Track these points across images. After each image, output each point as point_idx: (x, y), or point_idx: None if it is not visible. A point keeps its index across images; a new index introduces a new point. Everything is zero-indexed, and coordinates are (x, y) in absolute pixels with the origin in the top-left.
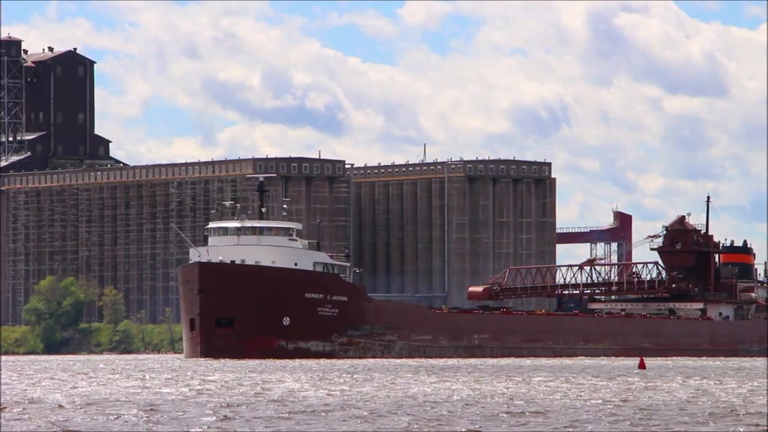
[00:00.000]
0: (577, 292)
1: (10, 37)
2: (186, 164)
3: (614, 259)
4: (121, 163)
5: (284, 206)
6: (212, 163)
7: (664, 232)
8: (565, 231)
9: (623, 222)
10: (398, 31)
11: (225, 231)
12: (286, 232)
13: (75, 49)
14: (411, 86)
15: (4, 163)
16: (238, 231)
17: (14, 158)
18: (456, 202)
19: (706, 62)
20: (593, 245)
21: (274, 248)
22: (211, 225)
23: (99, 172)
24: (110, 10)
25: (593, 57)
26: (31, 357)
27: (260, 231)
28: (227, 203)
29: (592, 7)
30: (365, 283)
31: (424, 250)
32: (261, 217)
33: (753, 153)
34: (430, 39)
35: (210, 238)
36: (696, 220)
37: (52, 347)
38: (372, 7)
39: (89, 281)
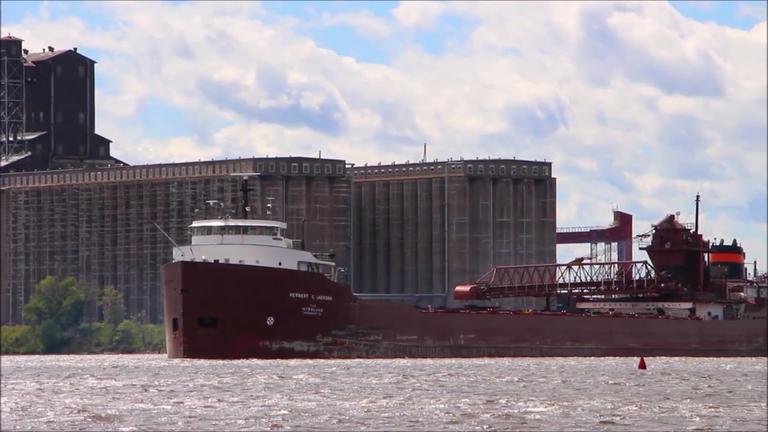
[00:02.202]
0: (566, 291)
1: (10, 37)
2: (186, 164)
3: (614, 259)
4: (122, 162)
5: (268, 205)
6: (212, 162)
7: (654, 231)
8: (565, 231)
9: (623, 222)
10: (392, 31)
11: (208, 230)
12: (270, 231)
13: (75, 48)
14: (407, 86)
15: (4, 163)
16: (222, 230)
17: (14, 158)
18: (456, 202)
19: (701, 62)
20: (593, 245)
21: (257, 247)
22: (195, 224)
23: (99, 172)
24: (103, 10)
25: (588, 57)
26: (31, 357)
27: (244, 230)
28: (211, 202)
29: (585, 6)
30: (366, 282)
31: (424, 250)
32: (245, 216)
33: (749, 153)
34: (424, 39)
35: (193, 237)
36: (689, 220)
37: (53, 347)
38: (365, 7)
39: (89, 281)
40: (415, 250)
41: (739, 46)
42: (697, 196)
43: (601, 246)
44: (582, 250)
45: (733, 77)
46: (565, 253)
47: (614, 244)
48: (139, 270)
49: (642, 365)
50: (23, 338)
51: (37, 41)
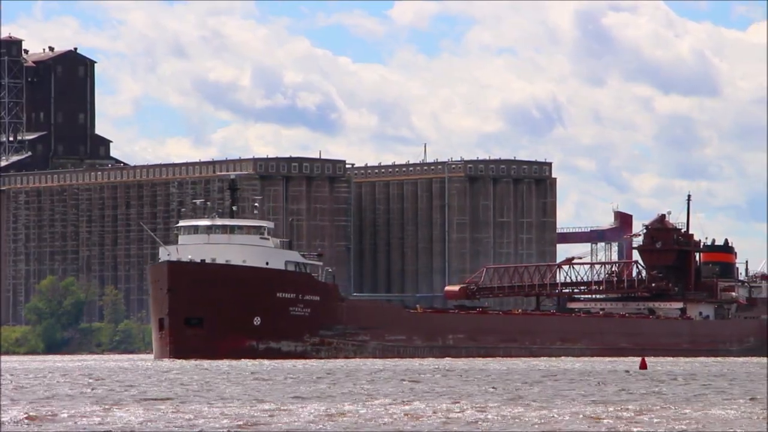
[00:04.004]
0: (556, 291)
1: (10, 37)
2: (186, 164)
3: (615, 259)
4: (122, 162)
5: (256, 204)
6: (212, 162)
7: (645, 230)
8: (565, 231)
9: (624, 221)
10: (387, 31)
11: (195, 229)
12: (258, 230)
13: (75, 48)
14: (403, 86)
15: (4, 163)
16: (209, 229)
17: (15, 158)
18: (456, 202)
19: (696, 62)
20: (594, 245)
21: (244, 247)
22: (182, 223)
23: (99, 172)
24: (96, 10)
25: (583, 56)
26: (31, 357)
27: (231, 229)
28: (198, 201)
29: (580, 6)
30: (367, 282)
31: (424, 250)
32: (232, 215)
33: (746, 153)
34: (419, 39)
35: (180, 237)
36: (682, 219)
37: (53, 347)
38: (359, 7)
39: (90, 281)
40: (416, 250)
41: (735, 47)
42: (689, 196)
43: (601, 246)
44: (582, 250)
45: (730, 77)
46: (565, 253)
47: (614, 245)
48: (139, 270)
49: (643, 365)
50: (23, 338)
51: (32, 41)
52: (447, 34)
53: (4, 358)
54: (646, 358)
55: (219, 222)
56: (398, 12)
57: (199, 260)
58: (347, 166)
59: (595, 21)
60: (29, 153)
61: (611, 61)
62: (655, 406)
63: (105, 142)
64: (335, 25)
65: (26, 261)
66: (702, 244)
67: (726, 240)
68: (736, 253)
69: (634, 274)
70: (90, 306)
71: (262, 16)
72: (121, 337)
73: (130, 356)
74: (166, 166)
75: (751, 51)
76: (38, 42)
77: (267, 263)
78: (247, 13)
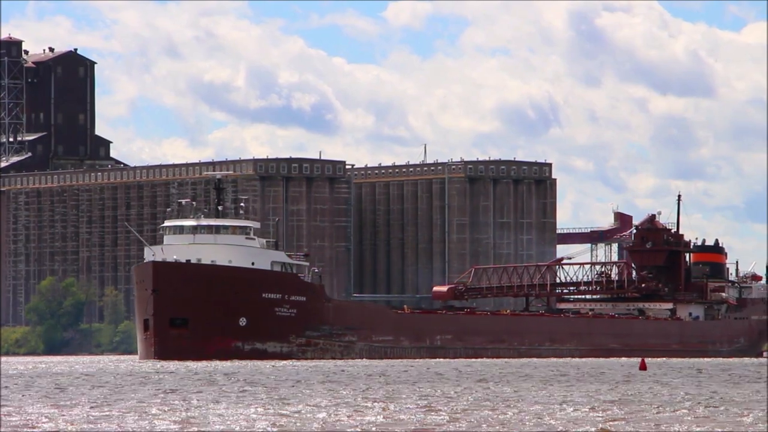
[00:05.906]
0: (545, 291)
1: (10, 38)
2: (186, 165)
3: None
4: (122, 163)
5: (241, 204)
6: (212, 163)
7: (635, 231)
8: (565, 231)
9: (624, 222)
10: (381, 31)
11: (180, 229)
12: (243, 230)
13: (75, 49)
14: (399, 86)
15: (4, 164)
16: (194, 229)
17: (15, 159)
18: (456, 203)
19: (691, 62)
20: (594, 246)
21: (230, 247)
22: (167, 223)
23: (99, 173)
24: (88, 10)
25: (578, 57)
26: (31, 358)
27: (216, 229)
28: (184, 201)
29: (573, 6)
30: (367, 283)
31: (424, 251)
32: (218, 215)
33: (742, 153)
34: (413, 39)
35: (165, 237)
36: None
37: (53, 348)
38: (353, 7)
39: (90, 282)
40: (416, 251)
41: (729, 47)
42: (678, 196)
43: (601, 246)
44: (582, 250)
45: (725, 78)
46: (565, 254)
47: (614, 245)
48: None
49: (642, 366)
50: (23, 339)
51: (26, 41)
52: (441, 34)
53: (4, 359)
54: (634, 359)
55: (204, 222)
56: (392, 12)
57: (184, 260)
58: (347, 166)
59: (588, 21)
60: (29, 154)
61: (606, 61)
62: None
63: (105, 143)
64: (329, 26)
65: (26, 261)
66: (692, 244)
67: (716, 240)
68: (726, 254)
69: (625, 274)
70: (90, 307)
71: (255, 16)
72: (121, 337)
73: (120, 357)
74: (167, 166)
75: (746, 51)
76: (32, 42)
77: (253, 263)
78: (240, 14)
